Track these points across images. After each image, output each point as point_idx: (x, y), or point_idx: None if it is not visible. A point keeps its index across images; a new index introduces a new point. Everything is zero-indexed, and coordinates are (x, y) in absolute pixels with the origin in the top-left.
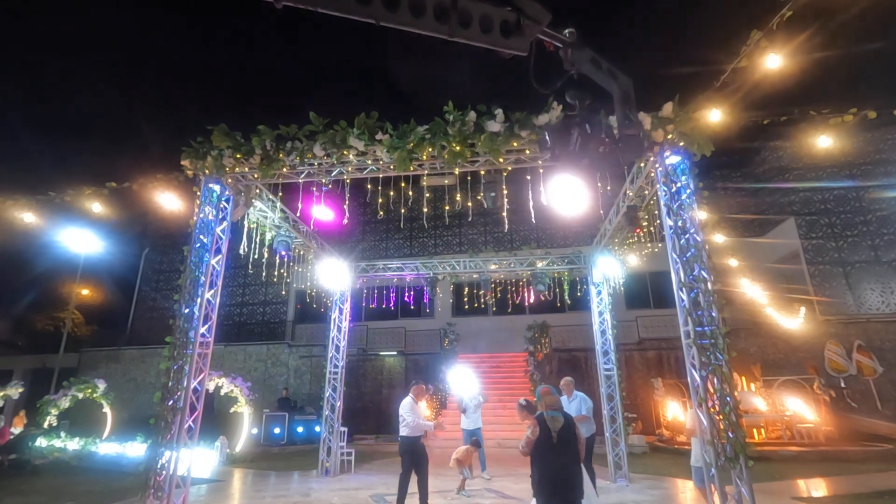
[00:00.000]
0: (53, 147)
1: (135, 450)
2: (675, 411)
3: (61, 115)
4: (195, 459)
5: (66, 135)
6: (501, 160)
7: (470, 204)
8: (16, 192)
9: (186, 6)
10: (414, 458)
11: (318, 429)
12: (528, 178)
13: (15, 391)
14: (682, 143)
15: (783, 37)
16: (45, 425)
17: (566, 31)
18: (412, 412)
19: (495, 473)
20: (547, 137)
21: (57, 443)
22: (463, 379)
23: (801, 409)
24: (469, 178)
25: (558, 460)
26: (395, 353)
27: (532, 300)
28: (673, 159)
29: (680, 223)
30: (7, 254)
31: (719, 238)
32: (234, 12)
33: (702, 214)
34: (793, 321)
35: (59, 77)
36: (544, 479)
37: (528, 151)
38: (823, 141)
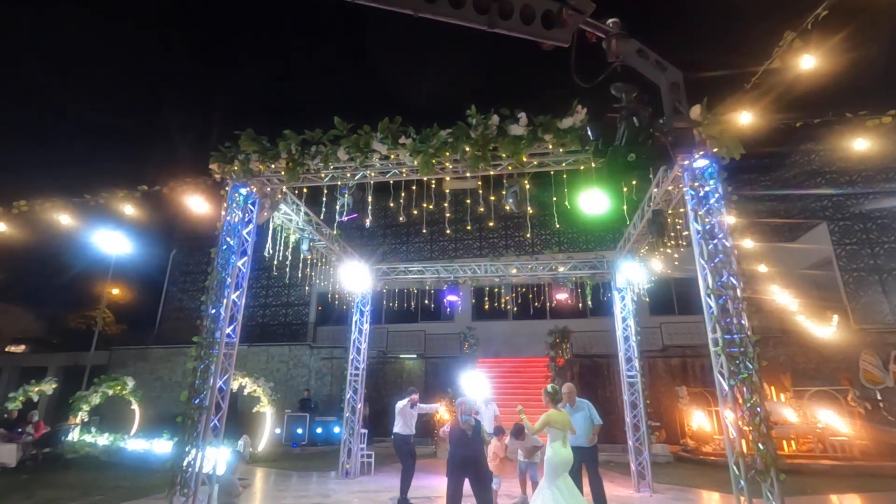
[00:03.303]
0: (89, 152)
1: (161, 447)
2: (700, 420)
3: (96, 122)
4: (219, 458)
5: (101, 140)
6: (524, 160)
7: (492, 198)
8: (53, 195)
9: (215, 15)
10: (406, 454)
11: (337, 430)
12: (552, 181)
13: (49, 387)
14: (710, 146)
15: (818, 37)
16: (77, 421)
17: (610, 21)
18: (400, 413)
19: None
20: (589, 133)
21: (88, 438)
22: (475, 384)
23: (834, 421)
24: (492, 181)
25: (467, 449)
26: (414, 356)
27: (554, 304)
28: (701, 162)
29: (708, 228)
30: (44, 255)
31: (748, 243)
32: (264, 22)
33: (730, 219)
34: (825, 330)
35: (95, 86)
36: (455, 459)
37: (550, 146)
38: (860, 144)
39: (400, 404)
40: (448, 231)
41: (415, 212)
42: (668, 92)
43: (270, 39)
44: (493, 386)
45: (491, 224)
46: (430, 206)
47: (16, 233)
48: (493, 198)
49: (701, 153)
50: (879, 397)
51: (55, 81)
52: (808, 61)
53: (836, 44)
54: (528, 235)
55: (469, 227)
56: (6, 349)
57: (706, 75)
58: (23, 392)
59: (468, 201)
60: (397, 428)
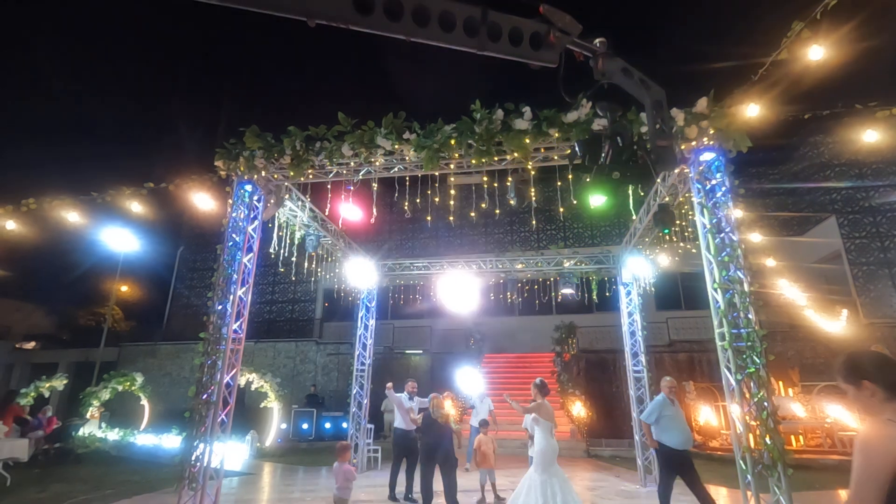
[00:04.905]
0: (95, 150)
1: (170, 441)
2: (707, 415)
3: (103, 120)
4: (227, 452)
5: (108, 138)
6: (529, 155)
7: (497, 192)
8: (61, 193)
9: (221, 21)
10: (403, 449)
11: (345, 425)
12: (556, 175)
13: (60, 383)
14: (717, 140)
15: (827, 27)
16: (88, 416)
17: (597, 40)
18: (399, 406)
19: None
20: (577, 149)
21: (98, 433)
22: (470, 379)
23: (842, 416)
24: (497, 176)
25: (440, 437)
26: (420, 351)
27: (559, 300)
28: (707, 156)
29: (714, 222)
30: (53, 253)
31: (756, 237)
32: (268, 21)
33: (737, 213)
34: (834, 324)
35: (102, 86)
36: (429, 446)
37: (555, 140)
38: (870, 135)
39: (398, 397)
40: (453, 226)
41: (420, 208)
42: (651, 110)
43: (275, 38)
44: (499, 382)
45: (497, 212)
46: (436, 201)
47: (25, 231)
48: (497, 193)
49: (708, 144)
50: None
51: (63, 81)
52: (817, 52)
53: (846, 34)
54: (534, 223)
55: (474, 223)
56: (18, 346)
57: (713, 67)
58: (34, 388)
59: (473, 196)
60: (396, 422)
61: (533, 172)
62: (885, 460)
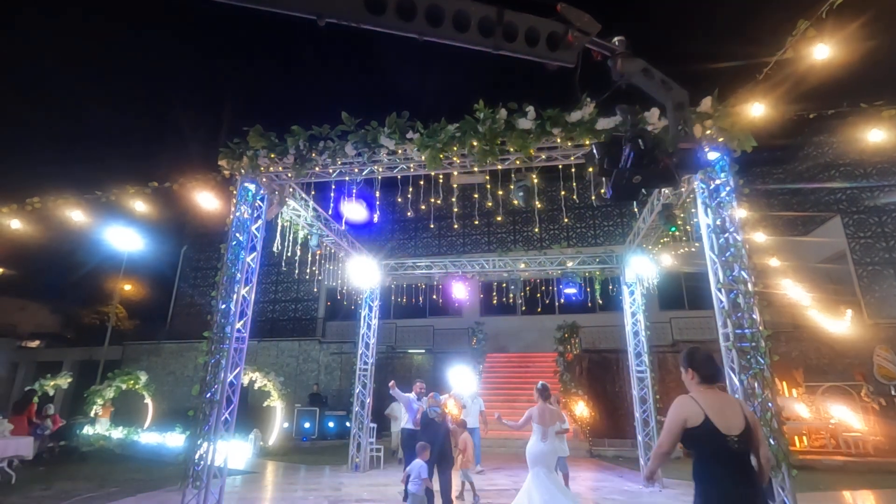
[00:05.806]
0: (99, 149)
1: (174, 440)
2: None
3: (107, 120)
4: (231, 451)
5: (112, 138)
6: (532, 154)
7: (500, 192)
8: (65, 192)
9: (228, 21)
10: (411, 448)
11: (347, 424)
12: (560, 175)
13: (64, 381)
14: (721, 139)
15: (833, 25)
16: (92, 414)
17: (615, 39)
18: (407, 406)
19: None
20: (595, 152)
21: (102, 431)
22: (462, 378)
23: (847, 417)
24: (500, 175)
25: (435, 435)
26: (423, 350)
27: (562, 300)
28: (712, 155)
29: (718, 221)
30: (58, 252)
31: (760, 237)
32: (271, 21)
33: (742, 212)
34: (838, 324)
35: (106, 86)
36: (427, 442)
37: (559, 140)
38: (875, 135)
39: (406, 397)
40: (456, 226)
41: (423, 207)
42: (673, 112)
43: (278, 37)
44: (501, 381)
45: (499, 219)
46: (438, 201)
47: (30, 230)
48: (500, 192)
49: (712, 144)
50: (894, 393)
51: (67, 81)
52: (822, 51)
53: (852, 32)
54: (537, 230)
55: (477, 222)
56: (22, 344)
57: (718, 66)
58: (39, 386)
59: (476, 196)
60: (403, 423)
61: (536, 180)
62: (680, 417)
